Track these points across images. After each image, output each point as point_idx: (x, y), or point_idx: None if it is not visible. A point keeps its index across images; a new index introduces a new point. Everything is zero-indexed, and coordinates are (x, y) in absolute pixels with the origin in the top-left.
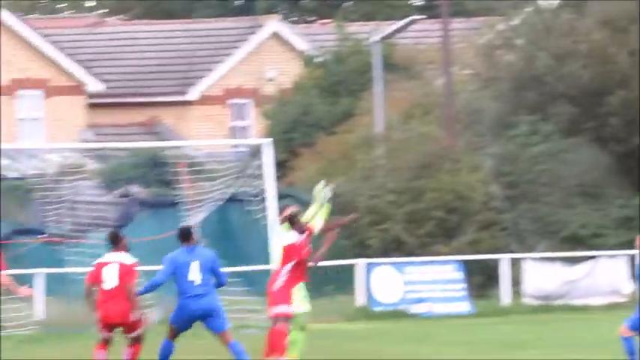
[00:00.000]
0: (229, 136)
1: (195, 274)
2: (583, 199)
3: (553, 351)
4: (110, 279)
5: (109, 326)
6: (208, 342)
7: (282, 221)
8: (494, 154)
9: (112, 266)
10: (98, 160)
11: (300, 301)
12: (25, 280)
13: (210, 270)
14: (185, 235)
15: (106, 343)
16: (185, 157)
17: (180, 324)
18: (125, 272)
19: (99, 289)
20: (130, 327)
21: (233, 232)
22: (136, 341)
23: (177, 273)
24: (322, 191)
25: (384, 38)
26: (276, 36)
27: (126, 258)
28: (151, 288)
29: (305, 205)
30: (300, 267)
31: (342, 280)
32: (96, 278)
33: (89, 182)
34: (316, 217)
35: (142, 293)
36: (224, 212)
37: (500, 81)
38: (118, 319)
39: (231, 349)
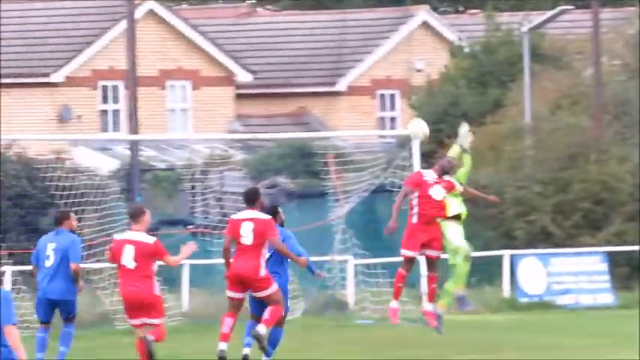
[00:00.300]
0: (377, 127)
1: None
2: None
3: None
4: (247, 236)
5: (239, 283)
6: None
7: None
8: None
9: (247, 223)
10: (246, 150)
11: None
12: (170, 272)
13: None
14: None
15: (235, 309)
16: (333, 148)
17: None
18: (262, 229)
19: (236, 244)
20: (258, 284)
21: (379, 223)
22: (271, 303)
23: None
24: (465, 135)
25: (533, 29)
26: (425, 26)
27: (261, 215)
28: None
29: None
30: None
31: (488, 272)
32: (233, 233)
33: (236, 173)
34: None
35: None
36: (371, 203)
37: None
38: (247, 274)
39: None
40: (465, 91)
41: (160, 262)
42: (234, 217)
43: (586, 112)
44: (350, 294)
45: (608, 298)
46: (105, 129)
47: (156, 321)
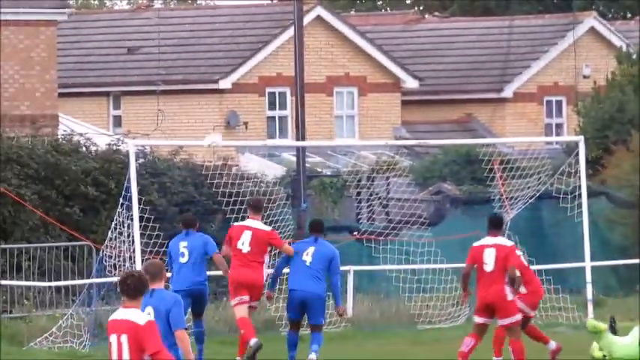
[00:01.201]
0: (543, 134)
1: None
2: None
3: None
4: (489, 261)
5: (484, 306)
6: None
7: None
8: None
9: (490, 250)
10: (412, 157)
11: None
12: None
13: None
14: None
15: (479, 333)
16: (498, 155)
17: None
18: (504, 255)
19: (478, 271)
20: (504, 310)
21: (545, 229)
22: (512, 333)
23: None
24: None
25: None
26: (593, 32)
27: (504, 241)
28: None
29: (617, 203)
30: None
31: None
32: (475, 259)
33: (402, 179)
34: None
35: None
36: (536, 209)
37: None
38: (493, 300)
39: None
40: (631, 98)
41: None
42: (476, 244)
43: None
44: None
45: None
46: (272, 135)
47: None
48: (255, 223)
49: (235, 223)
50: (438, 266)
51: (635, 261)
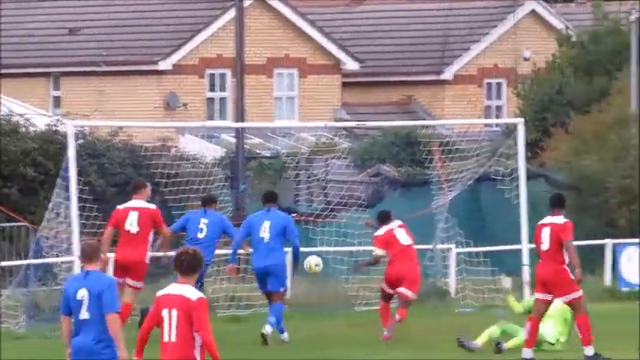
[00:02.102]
0: (483, 116)
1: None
2: None
3: None
4: (545, 240)
5: (542, 283)
6: None
7: None
8: None
9: (547, 228)
10: (351, 139)
11: None
12: None
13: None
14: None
15: (538, 309)
16: (438, 137)
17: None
18: (557, 232)
19: (537, 250)
20: (561, 287)
21: (483, 211)
22: (575, 309)
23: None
24: None
25: None
26: (533, 14)
27: (559, 219)
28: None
29: (556, 185)
30: None
31: (590, 261)
32: (536, 239)
33: (341, 161)
34: None
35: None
36: (475, 192)
37: None
38: (549, 277)
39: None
40: (571, 80)
41: None
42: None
43: None
44: (451, 282)
45: None
46: (211, 117)
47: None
48: (139, 203)
49: (119, 206)
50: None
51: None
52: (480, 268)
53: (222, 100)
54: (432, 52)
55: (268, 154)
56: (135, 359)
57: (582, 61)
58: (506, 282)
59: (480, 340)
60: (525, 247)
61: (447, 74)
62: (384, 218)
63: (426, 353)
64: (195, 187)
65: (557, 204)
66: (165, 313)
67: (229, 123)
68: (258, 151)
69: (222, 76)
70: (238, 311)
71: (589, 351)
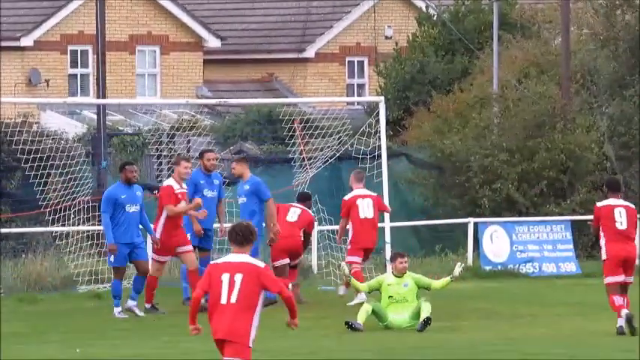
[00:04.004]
0: (345, 94)
1: None
2: None
3: None
4: (622, 220)
5: (621, 262)
6: None
7: None
8: (609, 115)
9: (621, 209)
10: (213, 116)
11: None
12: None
13: None
14: None
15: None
16: (300, 115)
17: None
18: (633, 214)
19: (607, 230)
20: (632, 268)
21: (345, 189)
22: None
23: None
24: None
25: None
26: None
27: (629, 202)
28: None
29: (417, 164)
30: None
31: (453, 240)
32: (603, 219)
33: (203, 138)
34: None
35: None
36: (336, 169)
37: (617, 41)
38: (628, 255)
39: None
40: (432, 59)
41: None
42: (600, 204)
43: (554, 81)
44: (314, 260)
45: (572, 267)
46: (73, 93)
47: None
48: None
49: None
50: None
51: (435, 222)
52: (342, 246)
53: (84, 76)
54: (294, 30)
55: (130, 131)
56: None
57: (444, 40)
58: (345, 268)
59: (360, 319)
60: (387, 225)
61: (309, 52)
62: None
63: (283, 331)
64: (57, 162)
65: (617, 188)
66: (225, 277)
67: (91, 99)
68: (120, 128)
69: (85, 52)
70: (98, 287)
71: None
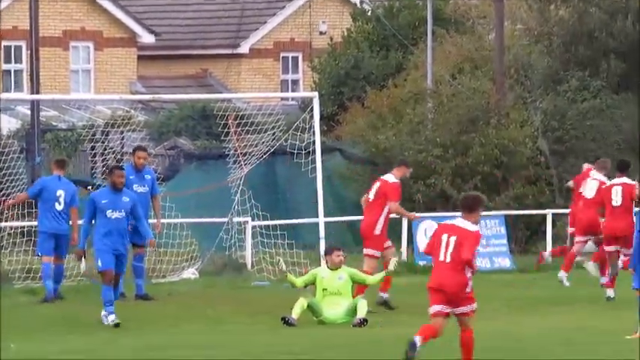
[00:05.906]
0: (279, 90)
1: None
2: (631, 155)
3: (587, 308)
4: (616, 197)
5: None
6: None
7: None
8: (543, 110)
9: (618, 187)
10: (147, 112)
11: None
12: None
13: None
14: None
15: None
16: (234, 110)
17: None
18: (629, 190)
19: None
20: (630, 242)
21: (279, 185)
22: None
23: None
24: None
25: None
26: None
27: (628, 180)
28: None
29: (351, 159)
30: None
31: (388, 235)
32: (604, 198)
33: (137, 134)
34: None
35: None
36: (271, 165)
37: (551, 36)
38: (622, 232)
39: None
40: (367, 54)
41: None
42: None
43: (487, 76)
44: (248, 256)
45: (506, 262)
46: (7, 89)
47: None
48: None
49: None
50: (172, 221)
51: None
52: (276, 241)
53: (18, 72)
54: (228, 26)
55: (64, 127)
56: None
57: (378, 36)
58: (282, 265)
59: (294, 314)
60: (321, 220)
61: (243, 48)
62: None
63: (216, 326)
64: None
65: (623, 168)
66: (444, 237)
67: (24, 95)
68: (54, 124)
69: (18, 48)
70: (34, 283)
71: None
